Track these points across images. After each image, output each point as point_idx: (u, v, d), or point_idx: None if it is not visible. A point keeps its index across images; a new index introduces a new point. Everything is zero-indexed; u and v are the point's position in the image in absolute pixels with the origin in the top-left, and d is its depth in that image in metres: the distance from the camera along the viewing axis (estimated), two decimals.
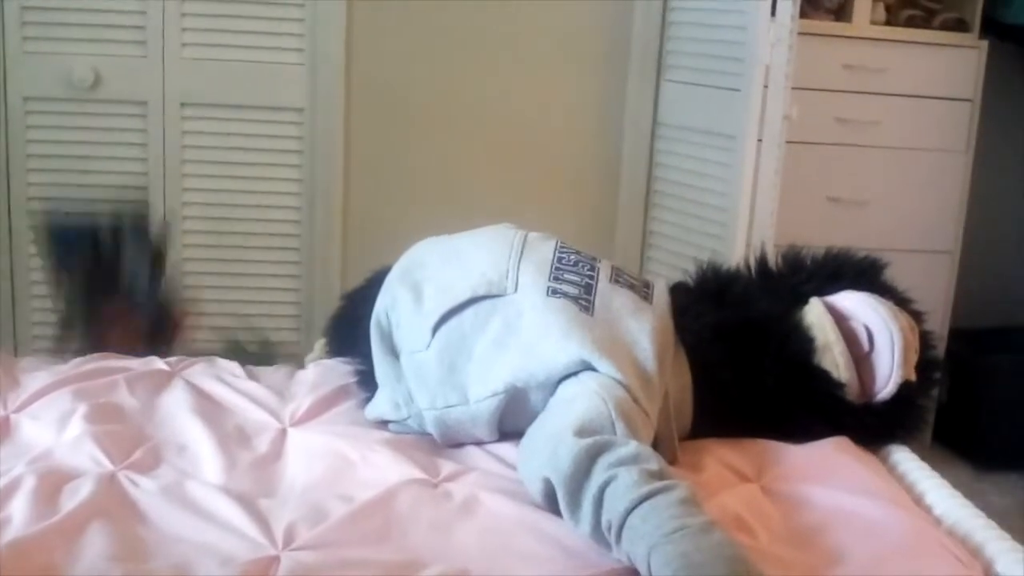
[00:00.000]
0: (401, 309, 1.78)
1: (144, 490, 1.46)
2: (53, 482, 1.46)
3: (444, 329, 1.69)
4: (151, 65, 3.02)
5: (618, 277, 1.79)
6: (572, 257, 1.79)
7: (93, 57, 3.01)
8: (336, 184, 3.18)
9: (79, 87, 3.01)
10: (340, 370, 1.93)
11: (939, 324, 3.32)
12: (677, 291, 1.88)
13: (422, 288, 1.77)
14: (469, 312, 1.69)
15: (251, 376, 1.92)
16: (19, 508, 1.40)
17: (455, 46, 3.26)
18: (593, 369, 1.58)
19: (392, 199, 3.29)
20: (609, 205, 3.42)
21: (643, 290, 1.79)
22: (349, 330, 2.02)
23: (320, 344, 2.21)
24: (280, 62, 3.07)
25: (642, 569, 1.30)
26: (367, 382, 1.82)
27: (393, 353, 1.78)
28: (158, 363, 1.91)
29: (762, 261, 1.98)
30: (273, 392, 1.86)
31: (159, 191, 3.08)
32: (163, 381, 1.83)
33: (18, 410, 1.71)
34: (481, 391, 1.65)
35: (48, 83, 3.01)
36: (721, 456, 1.68)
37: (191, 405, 1.75)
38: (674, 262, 3.13)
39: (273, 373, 1.97)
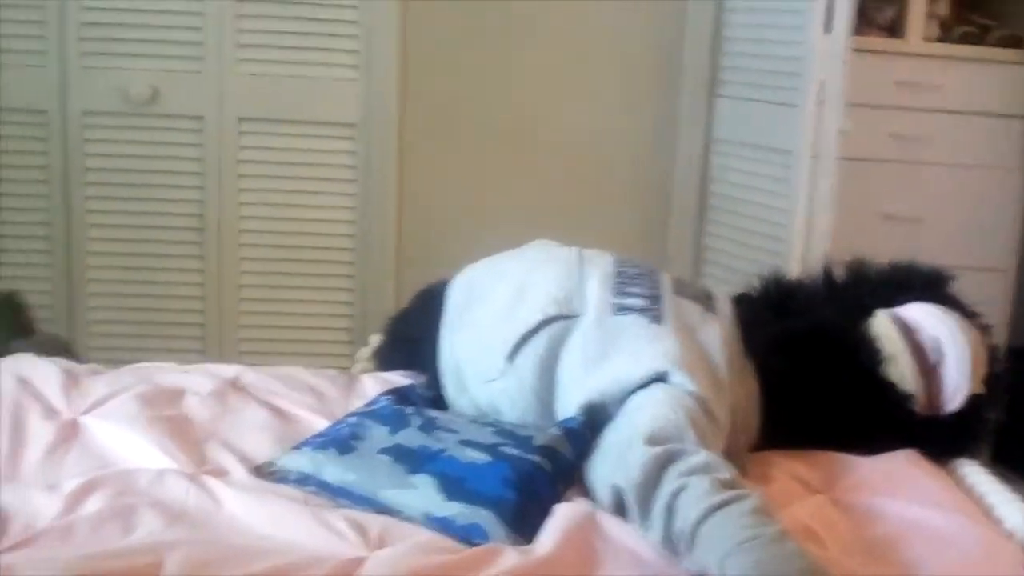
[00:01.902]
0: (468, 343, 1.78)
1: (222, 494, 1.47)
2: (128, 484, 1.47)
3: (519, 356, 1.69)
4: (208, 80, 3.06)
5: (681, 288, 1.78)
6: (633, 270, 1.79)
7: (151, 72, 3.04)
8: (390, 198, 3.19)
9: (137, 102, 3.05)
10: (398, 383, 1.93)
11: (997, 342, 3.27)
12: (739, 302, 1.88)
13: (487, 318, 1.77)
14: (543, 335, 1.69)
15: (310, 387, 1.92)
16: (94, 510, 1.41)
17: (509, 61, 3.27)
18: (664, 380, 1.57)
19: (445, 212, 3.30)
20: (662, 221, 3.41)
21: (706, 301, 1.79)
22: (398, 351, 2.02)
23: (367, 351, 2.20)
24: (334, 77, 3.10)
25: None
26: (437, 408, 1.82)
27: (465, 388, 1.78)
28: (221, 371, 1.93)
29: (827, 273, 1.96)
30: (331, 403, 1.87)
31: (215, 205, 3.11)
32: (226, 390, 1.84)
33: (86, 412, 1.72)
34: (563, 414, 1.64)
35: (106, 98, 3.05)
36: (789, 468, 1.67)
37: (256, 413, 1.76)
38: (730, 278, 3.11)
39: (331, 383, 1.96)
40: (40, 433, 1.66)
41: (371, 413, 1.66)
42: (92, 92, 3.05)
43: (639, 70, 3.33)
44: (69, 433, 1.65)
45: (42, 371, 1.86)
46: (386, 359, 2.06)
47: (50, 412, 1.72)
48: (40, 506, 1.43)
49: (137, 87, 3.04)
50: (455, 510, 1.43)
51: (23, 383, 1.81)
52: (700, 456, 1.42)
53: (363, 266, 3.20)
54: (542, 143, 3.32)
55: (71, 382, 1.82)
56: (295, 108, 3.09)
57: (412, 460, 1.51)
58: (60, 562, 1.28)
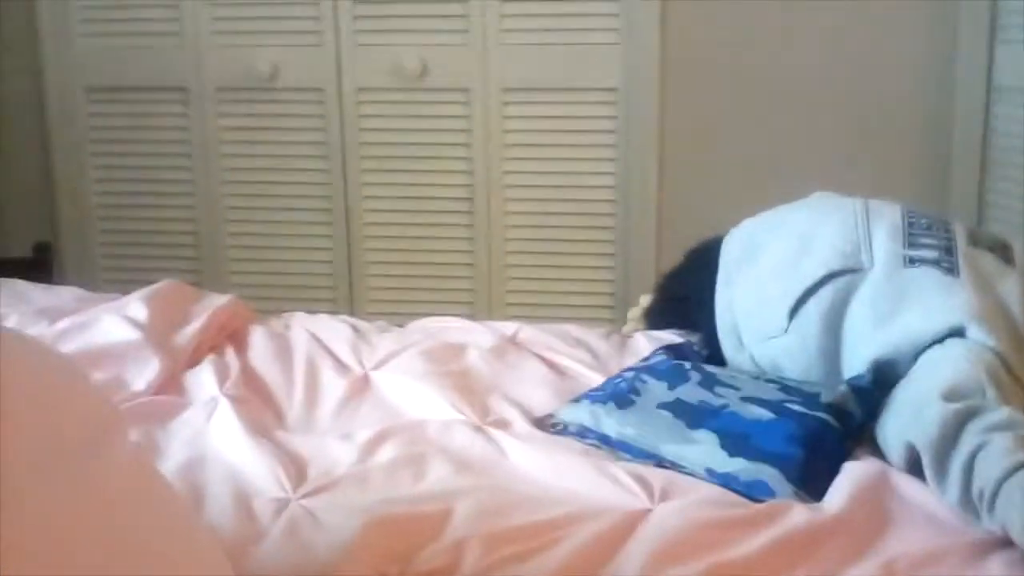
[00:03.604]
0: (746, 298, 1.75)
1: (507, 444, 1.51)
2: (418, 434, 1.54)
3: (803, 311, 1.64)
4: (473, 53, 3.13)
5: (976, 238, 1.69)
6: (924, 221, 1.71)
7: (420, 48, 3.15)
8: (651, 163, 3.17)
9: (407, 77, 3.15)
10: (671, 341, 1.91)
11: None
12: None
13: (766, 272, 1.73)
14: (828, 290, 1.63)
15: (584, 343, 1.94)
16: (387, 458, 1.47)
17: (771, 17, 3.18)
18: (960, 335, 1.50)
19: (706, 174, 3.25)
20: (941, 175, 3.23)
21: (1003, 251, 1.69)
22: (670, 310, 2.01)
23: (637, 310, 2.19)
24: (595, 43, 3.10)
25: (1018, 539, 1.22)
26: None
27: (743, 345, 1.75)
28: (500, 328, 1.97)
29: None
30: (605, 360, 1.87)
31: (482, 174, 3.19)
32: (505, 345, 1.88)
33: (375, 368, 1.79)
34: (849, 371, 1.60)
35: (378, 74, 3.18)
36: None
37: (535, 368, 1.79)
38: (1017, 236, 2.92)
39: (603, 341, 1.97)
40: (333, 387, 1.75)
41: (648, 368, 1.65)
42: (365, 69, 3.18)
43: (912, 17, 3.16)
44: (360, 387, 1.73)
45: (332, 328, 1.96)
46: (657, 318, 2.06)
47: (341, 368, 1.81)
48: (336, 454, 1.50)
49: (408, 63, 3.14)
50: (738, 466, 1.41)
51: (315, 339, 1.91)
52: (1002, 413, 1.34)
53: (624, 230, 3.20)
54: (809, 97, 3.20)
55: (360, 339, 1.91)
56: (557, 76, 3.12)
57: (692, 415, 1.50)
58: (357, 506, 1.35)
